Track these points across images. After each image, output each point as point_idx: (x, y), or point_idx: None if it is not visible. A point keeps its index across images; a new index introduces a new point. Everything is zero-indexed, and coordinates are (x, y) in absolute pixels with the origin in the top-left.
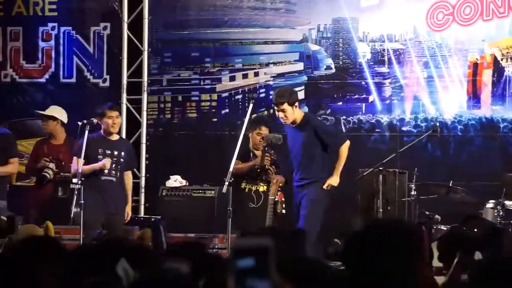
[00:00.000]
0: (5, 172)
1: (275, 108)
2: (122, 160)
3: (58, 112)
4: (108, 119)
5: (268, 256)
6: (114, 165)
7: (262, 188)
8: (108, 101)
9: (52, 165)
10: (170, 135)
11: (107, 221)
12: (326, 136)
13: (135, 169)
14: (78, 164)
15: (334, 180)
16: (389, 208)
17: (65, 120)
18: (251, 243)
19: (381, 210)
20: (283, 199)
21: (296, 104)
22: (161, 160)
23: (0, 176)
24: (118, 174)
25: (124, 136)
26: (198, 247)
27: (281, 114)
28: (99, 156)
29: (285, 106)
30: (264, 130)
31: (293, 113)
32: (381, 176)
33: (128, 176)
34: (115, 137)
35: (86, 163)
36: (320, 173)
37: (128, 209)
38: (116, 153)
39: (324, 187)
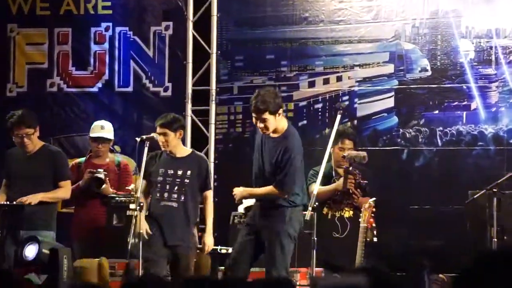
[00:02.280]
0: (54, 198)
1: (253, 115)
2: (187, 181)
3: (111, 130)
4: (159, 135)
5: None
6: (176, 188)
7: (347, 213)
8: (170, 112)
9: (102, 172)
10: (242, 152)
11: (173, 256)
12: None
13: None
14: (136, 186)
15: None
16: (505, 237)
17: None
18: (342, 282)
19: (495, 240)
20: (374, 225)
21: (280, 111)
22: (232, 181)
23: (48, 202)
24: (182, 198)
25: None
26: (286, 285)
27: (260, 124)
28: (158, 178)
29: (267, 115)
30: (348, 144)
31: (275, 123)
32: (495, 199)
33: (207, 198)
34: (182, 153)
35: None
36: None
37: (208, 239)
38: (180, 172)
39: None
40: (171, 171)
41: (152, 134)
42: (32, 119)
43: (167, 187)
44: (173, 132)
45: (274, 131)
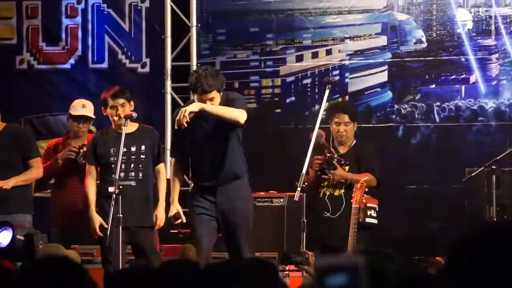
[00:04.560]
0: (27, 180)
1: (200, 96)
2: (142, 156)
3: (91, 109)
4: (111, 109)
5: (360, 275)
6: (132, 165)
7: (337, 192)
8: (149, 89)
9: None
10: None
11: (133, 239)
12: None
13: (184, 176)
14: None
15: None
16: (505, 217)
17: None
18: (339, 261)
19: (494, 219)
20: (369, 205)
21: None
22: None
23: (21, 185)
24: (141, 175)
25: (169, 132)
26: (269, 269)
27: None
28: (111, 158)
29: (214, 93)
30: (343, 118)
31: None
32: (494, 177)
33: (160, 171)
34: (129, 128)
35: (102, 168)
36: None
37: (160, 213)
38: (133, 149)
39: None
40: (123, 149)
41: (132, 113)
42: None
43: (123, 166)
44: (128, 102)
45: None
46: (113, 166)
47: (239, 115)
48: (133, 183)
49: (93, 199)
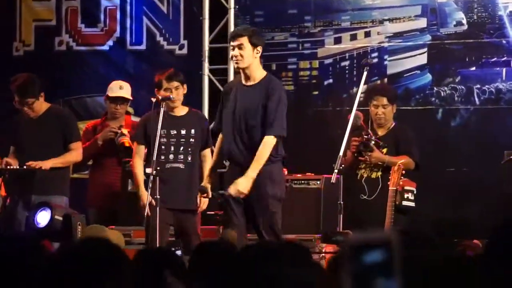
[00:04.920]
0: (65, 163)
1: (231, 43)
2: (192, 140)
3: (129, 90)
4: (165, 91)
5: (394, 251)
6: (182, 148)
7: (374, 174)
8: (186, 71)
9: (125, 131)
10: None
11: (179, 222)
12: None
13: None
14: (153, 149)
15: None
16: None
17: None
18: (373, 237)
19: None
20: (406, 187)
21: (259, 49)
22: None
23: (59, 167)
24: (189, 158)
25: (206, 115)
26: (302, 252)
27: (235, 51)
28: (161, 139)
29: (245, 40)
30: (381, 101)
31: (251, 57)
32: None
33: (206, 157)
34: (180, 111)
35: (149, 148)
36: None
37: (203, 199)
38: (183, 132)
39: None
40: (173, 131)
41: (169, 94)
42: (33, 87)
43: (172, 148)
44: (182, 85)
45: (247, 75)
46: (162, 147)
47: (273, 143)
48: (181, 165)
49: (141, 178)
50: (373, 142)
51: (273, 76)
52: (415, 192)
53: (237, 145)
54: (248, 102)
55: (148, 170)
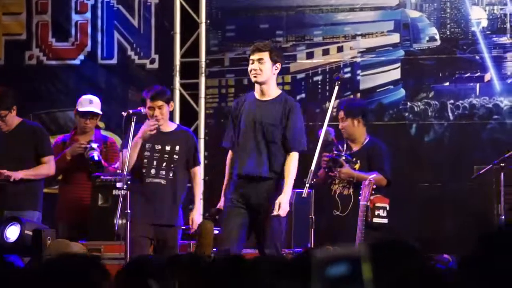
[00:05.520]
0: (37, 175)
1: (251, 56)
2: (176, 157)
3: (99, 105)
4: (149, 110)
5: (361, 265)
6: (164, 164)
7: (346, 191)
8: (158, 86)
9: (94, 145)
10: None
11: (159, 236)
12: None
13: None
14: (124, 163)
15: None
16: None
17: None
18: (340, 252)
19: (502, 217)
20: (378, 204)
21: (278, 66)
22: (223, 159)
23: (32, 180)
24: (171, 175)
25: None
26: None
27: (254, 65)
28: (145, 153)
29: (266, 55)
30: (340, 114)
31: (270, 73)
32: (502, 174)
33: (196, 174)
34: (169, 127)
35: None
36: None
37: (196, 217)
38: (168, 148)
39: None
40: (158, 146)
41: (140, 109)
42: (6, 99)
43: (155, 163)
44: (167, 104)
45: (263, 91)
46: (145, 161)
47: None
48: (163, 181)
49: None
50: (343, 158)
51: (286, 94)
52: (387, 209)
53: (255, 158)
54: (267, 115)
55: (119, 185)
